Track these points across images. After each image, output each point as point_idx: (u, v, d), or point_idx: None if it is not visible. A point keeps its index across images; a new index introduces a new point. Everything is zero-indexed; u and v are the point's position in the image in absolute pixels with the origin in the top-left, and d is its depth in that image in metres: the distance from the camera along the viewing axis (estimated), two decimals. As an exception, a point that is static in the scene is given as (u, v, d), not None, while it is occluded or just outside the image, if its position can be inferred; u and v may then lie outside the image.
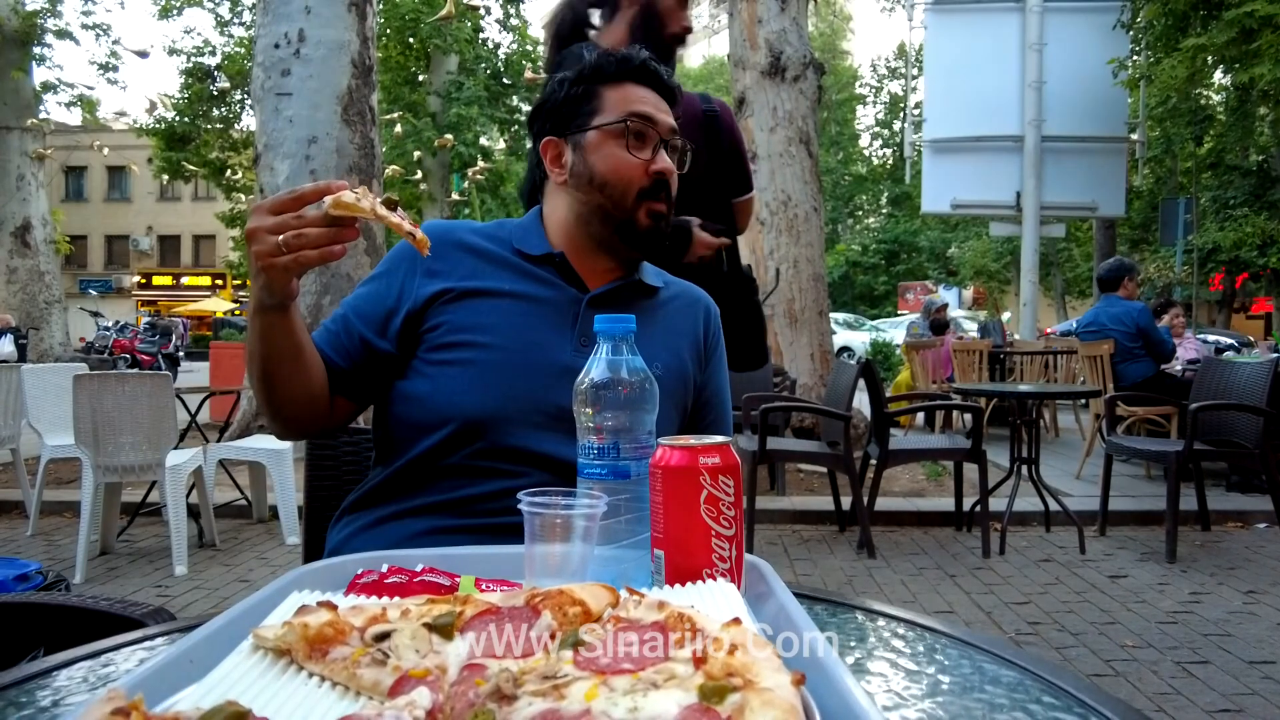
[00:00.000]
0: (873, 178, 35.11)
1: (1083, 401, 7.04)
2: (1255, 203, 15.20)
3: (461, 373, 1.11)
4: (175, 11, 18.08)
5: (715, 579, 0.71)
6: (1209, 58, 10.56)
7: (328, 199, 0.91)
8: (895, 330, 17.63)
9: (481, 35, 19.69)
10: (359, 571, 0.79)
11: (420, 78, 19.42)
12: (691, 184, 1.32)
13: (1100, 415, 5.67)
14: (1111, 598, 3.49)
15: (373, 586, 0.75)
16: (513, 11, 19.96)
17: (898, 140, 29.99)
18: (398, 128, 15.05)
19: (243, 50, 16.92)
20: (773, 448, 4.22)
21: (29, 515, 4.66)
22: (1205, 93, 16.49)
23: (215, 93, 17.79)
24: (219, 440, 4.85)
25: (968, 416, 4.33)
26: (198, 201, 33.41)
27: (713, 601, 0.66)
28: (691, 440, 0.75)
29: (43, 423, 4.51)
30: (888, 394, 5.70)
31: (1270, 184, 15.41)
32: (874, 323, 21.13)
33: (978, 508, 4.27)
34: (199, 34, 27.07)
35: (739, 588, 0.72)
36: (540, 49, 20.66)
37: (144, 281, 35.29)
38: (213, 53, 18.07)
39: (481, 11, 18.45)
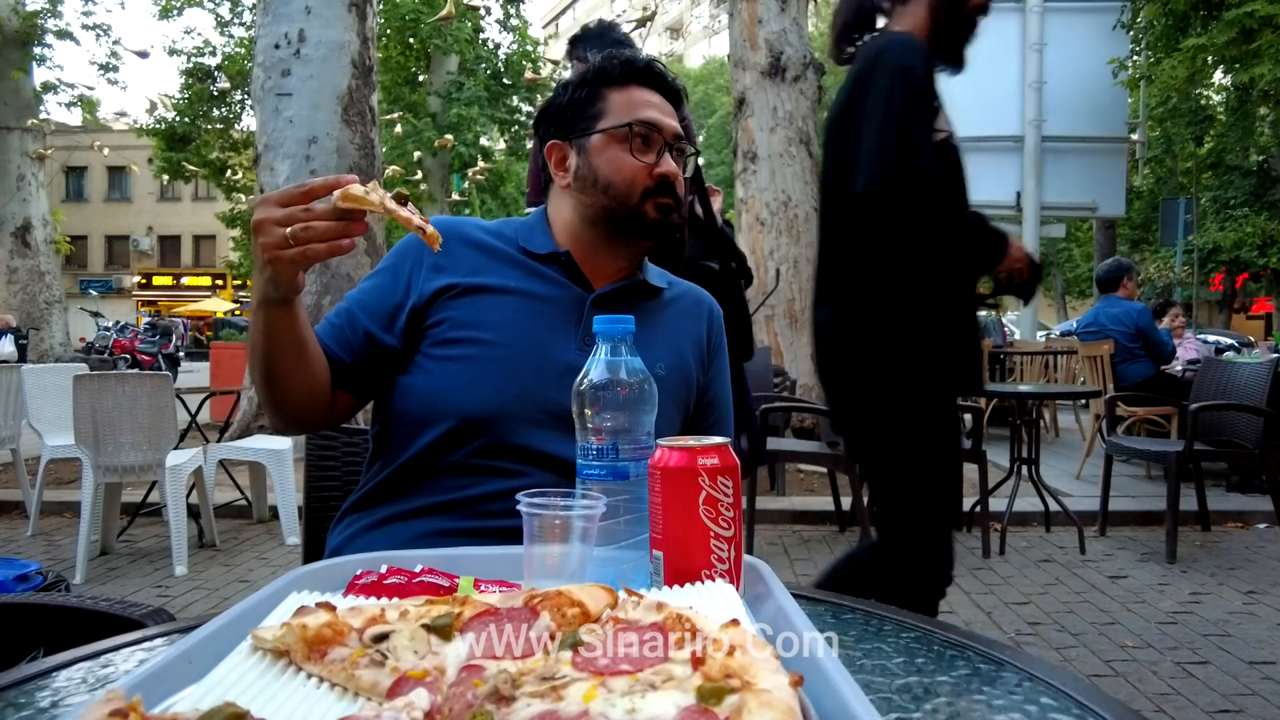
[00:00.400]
0: (873, 178, 35.03)
1: (1083, 402, 7.04)
2: (1255, 203, 15.21)
3: (464, 369, 1.11)
4: (175, 12, 18.07)
5: (714, 580, 0.71)
6: (1209, 58, 10.57)
7: (336, 192, 0.90)
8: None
9: (481, 35, 19.69)
10: (358, 572, 0.79)
11: (420, 78, 19.42)
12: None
13: (1100, 415, 5.67)
14: (1111, 598, 3.49)
15: (371, 587, 0.75)
16: (513, 11, 19.96)
17: (898, 140, 29.91)
18: (398, 128, 15.05)
19: (243, 50, 16.92)
20: (773, 448, 4.22)
21: (29, 515, 4.67)
22: (1205, 93, 16.49)
23: (215, 93, 17.79)
24: (219, 440, 4.85)
25: (967, 417, 4.33)
26: (198, 202, 33.41)
27: (711, 602, 0.66)
28: (690, 441, 0.75)
29: (43, 423, 4.51)
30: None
31: (1270, 184, 15.41)
32: None
33: (978, 508, 4.27)
34: (199, 34, 27.14)
35: (738, 589, 0.72)
36: (540, 49, 20.69)
37: (144, 282, 35.30)
38: (213, 53, 18.07)
39: (481, 11, 18.46)
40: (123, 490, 4.35)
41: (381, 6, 16.46)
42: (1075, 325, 7.55)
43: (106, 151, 18.75)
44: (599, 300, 1.17)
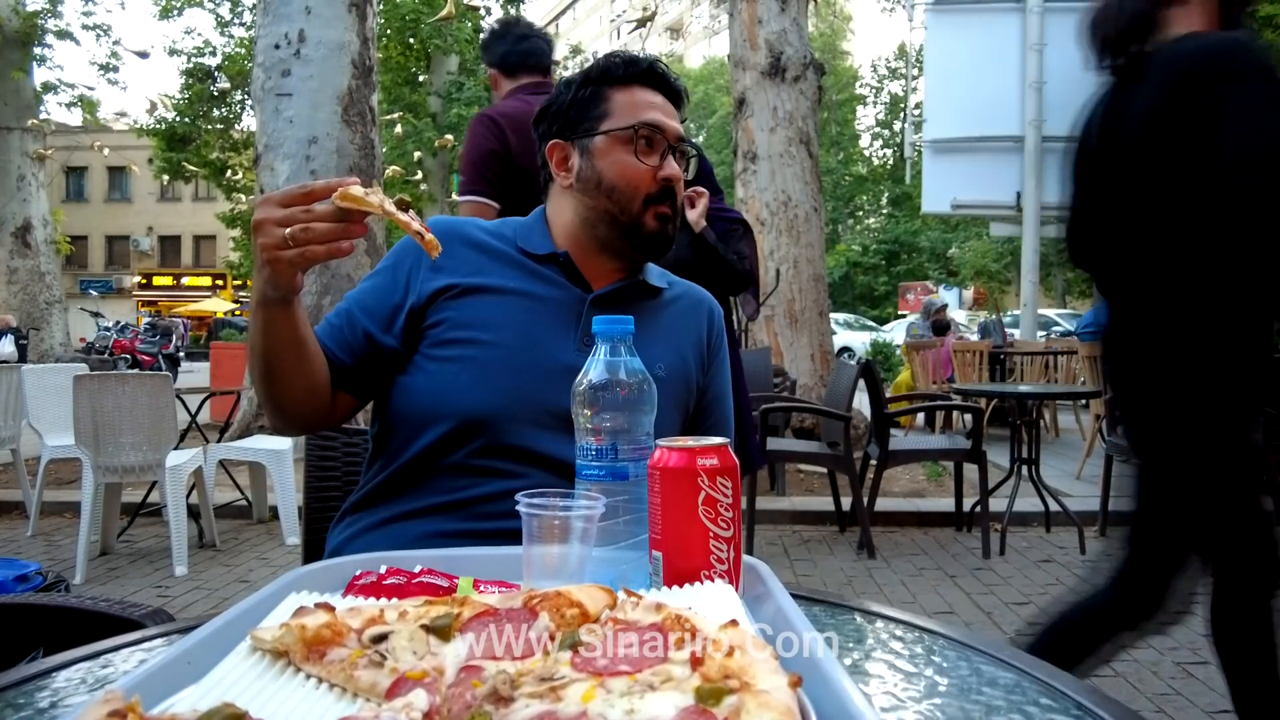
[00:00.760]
0: (873, 178, 35.10)
1: (1083, 402, 7.04)
2: (1256, 203, 15.18)
3: (463, 370, 1.11)
4: (175, 12, 18.08)
5: (713, 580, 0.71)
6: (1209, 58, 10.55)
7: (335, 192, 0.90)
8: (896, 332, 17.66)
9: (482, 35, 19.69)
10: (357, 573, 0.79)
11: (420, 78, 19.41)
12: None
13: (1100, 415, 5.67)
14: (1111, 598, 3.49)
15: (371, 588, 0.75)
16: (513, 12, 19.97)
17: (898, 140, 30.00)
18: (398, 128, 15.04)
19: (243, 51, 16.92)
20: (773, 448, 4.22)
21: (29, 515, 4.67)
22: (1206, 93, 16.47)
23: (216, 93, 17.78)
24: (219, 440, 4.85)
25: (968, 417, 4.33)
26: (198, 202, 33.43)
27: (710, 603, 0.66)
28: (689, 441, 0.74)
29: (43, 423, 4.51)
30: (888, 394, 5.70)
31: (1271, 184, 15.39)
32: (879, 326, 21.17)
33: (978, 508, 4.27)
34: (199, 34, 27.11)
35: (737, 589, 0.72)
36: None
37: (144, 282, 35.32)
38: (213, 53, 18.07)
39: (482, 12, 18.44)
40: (123, 490, 4.36)
41: (381, 6, 16.45)
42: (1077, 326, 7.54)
43: (107, 152, 18.74)
44: (598, 301, 1.17)
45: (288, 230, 0.91)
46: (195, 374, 14.74)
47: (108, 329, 16.87)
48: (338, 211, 0.90)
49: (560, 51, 26.24)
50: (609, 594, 0.62)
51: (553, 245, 1.20)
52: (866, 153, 35.89)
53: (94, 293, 33.69)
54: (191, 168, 18.16)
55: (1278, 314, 1.78)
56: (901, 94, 30.11)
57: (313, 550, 1.38)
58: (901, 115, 25.81)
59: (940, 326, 9.62)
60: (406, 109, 17.80)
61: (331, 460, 1.47)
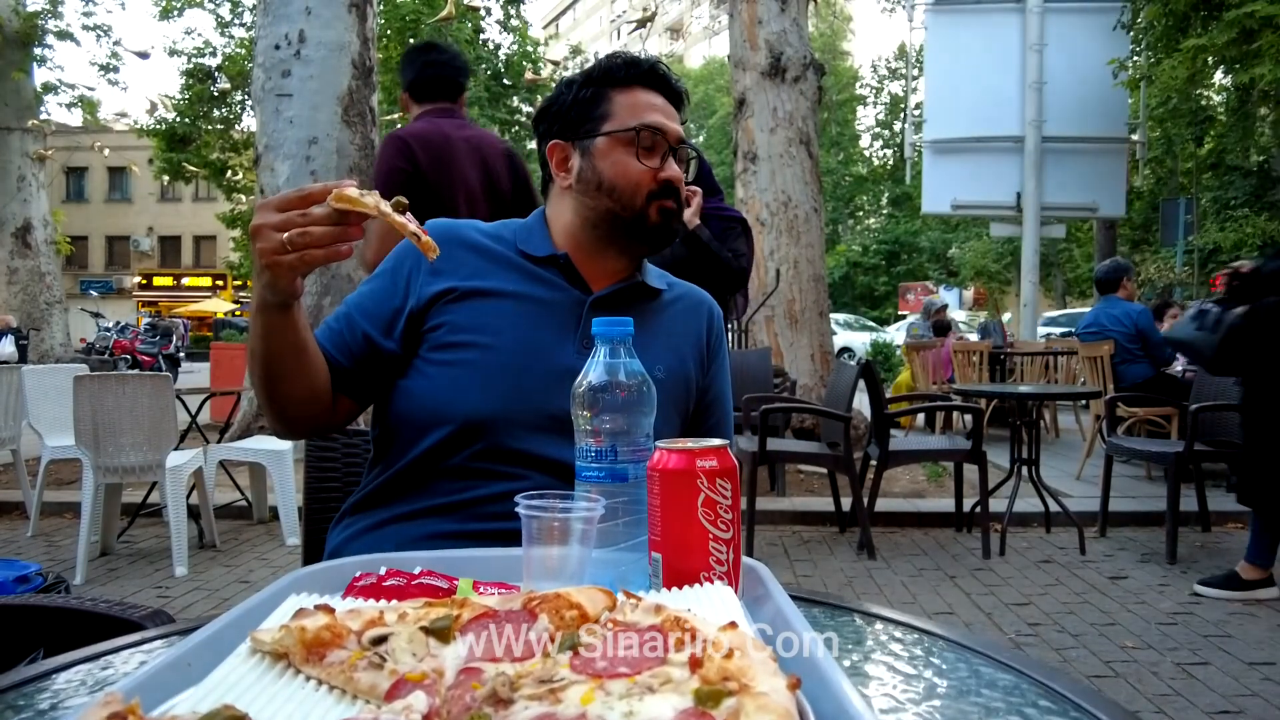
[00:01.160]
0: (873, 178, 35.10)
1: (1083, 402, 7.04)
2: (1256, 203, 15.20)
3: (463, 373, 1.11)
4: (176, 12, 18.06)
5: (712, 582, 0.71)
6: (1209, 58, 10.55)
7: (331, 194, 0.90)
8: (897, 333, 17.67)
9: (482, 36, 19.68)
10: (357, 574, 0.79)
11: (421, 79, 19.38)
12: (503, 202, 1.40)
13: (1100, 416, 5.67)
14: (1111, 599, 3.49)
15: (370, 589, 0.75)
16: (513, 12, 19.95)
17: (898, 141, 29.98)
18: (398, 128, 15.04)
19: (243, 51, 16.90)
20: (773, 449, 4.22)
21: (29, 516, 4.67)
22: (1206, 93, 16.47)
23: (216, 93, 17.77)
24: (219, 441, 4.85)
25: (968, 417, 4.33)
26: (198, 202, 33.41)
27: (710, 605, 0.66)
28: (689, 443, 0.75)
29: (43, 423, 4.51)
30: (888, 395, 5.70)
31: (1271, 185, 15.40)
32: (880, 327, 21.18)
33: (978, 509, 4.27)
34: (200, 35, 27.07)
35: (736, 591, 0.72)
36: (540, 50, 20.67)
37: (145, 282, 35.30)
38: (213, 54, 18.06)
39: (482, 12, 18.44)
40: (123, 491, 4.36)
41: (381, 7, 16.45)
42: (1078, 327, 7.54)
43: (107, 152, 18.73)
44: (598, 302, 1.17)
45: (286, 235, 0.91)
46: (195, 374, 14.74)
47: (108, 329, 16.87)
48: (335, 214, 0.90)
49: (560, 52, 26.29)
50: (608, 595, 0.62)
51: (552, 246, 1.20)
52: (866, 153, 35.89)
53: (94, 293, 33.68)
54: (192, 168, 18.14)
55: None
56: (901, 94, 30.08)
57: (312, 551, 1.38)
58: (901, 115, 25.79)
59: (941, 327, 9.62)
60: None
61: (331, 461, 1.47)
